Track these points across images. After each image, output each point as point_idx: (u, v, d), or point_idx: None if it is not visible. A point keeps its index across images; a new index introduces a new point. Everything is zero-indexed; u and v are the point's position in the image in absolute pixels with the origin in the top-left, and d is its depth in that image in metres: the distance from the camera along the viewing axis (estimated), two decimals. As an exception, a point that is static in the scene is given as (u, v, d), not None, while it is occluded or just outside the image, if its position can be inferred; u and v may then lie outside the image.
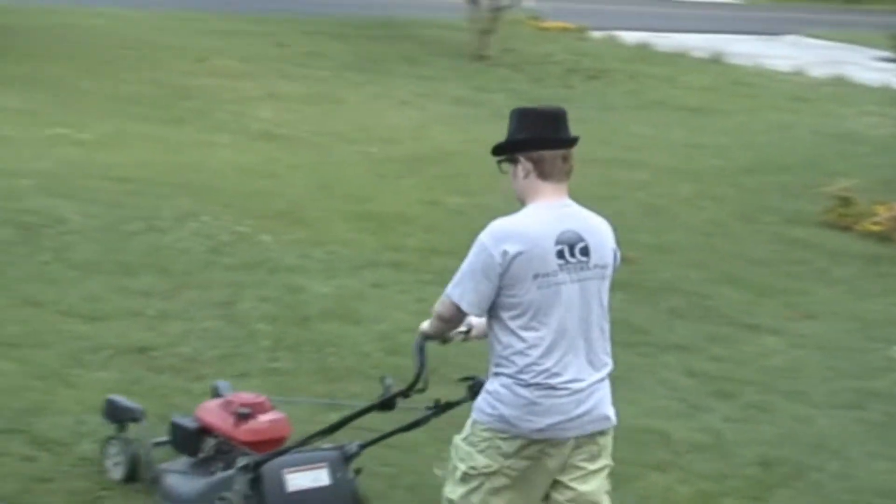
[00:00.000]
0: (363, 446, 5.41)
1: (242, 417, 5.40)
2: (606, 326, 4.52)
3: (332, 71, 18.54)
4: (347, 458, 5.40)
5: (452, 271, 9.46)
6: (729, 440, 6.86)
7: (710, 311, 9.14)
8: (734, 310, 9.24)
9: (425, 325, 4.71)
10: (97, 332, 7.18)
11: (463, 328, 4.63)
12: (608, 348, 4.52)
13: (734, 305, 9.35)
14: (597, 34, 25.97)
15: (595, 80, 20.64)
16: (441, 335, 4.69)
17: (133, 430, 5.63)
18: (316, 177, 11.73)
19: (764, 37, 29.08)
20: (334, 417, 5.38)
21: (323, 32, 22.09)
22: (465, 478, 4.38)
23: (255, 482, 5.14)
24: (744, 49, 25.29)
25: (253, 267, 8.76)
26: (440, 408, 4.83)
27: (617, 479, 6.09)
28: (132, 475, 5.53)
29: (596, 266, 4.42)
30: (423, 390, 4.80)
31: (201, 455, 5.49)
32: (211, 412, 5.52)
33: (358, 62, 19.60)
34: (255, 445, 5.34)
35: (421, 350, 4.74)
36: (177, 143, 12.54)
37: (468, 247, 9.81)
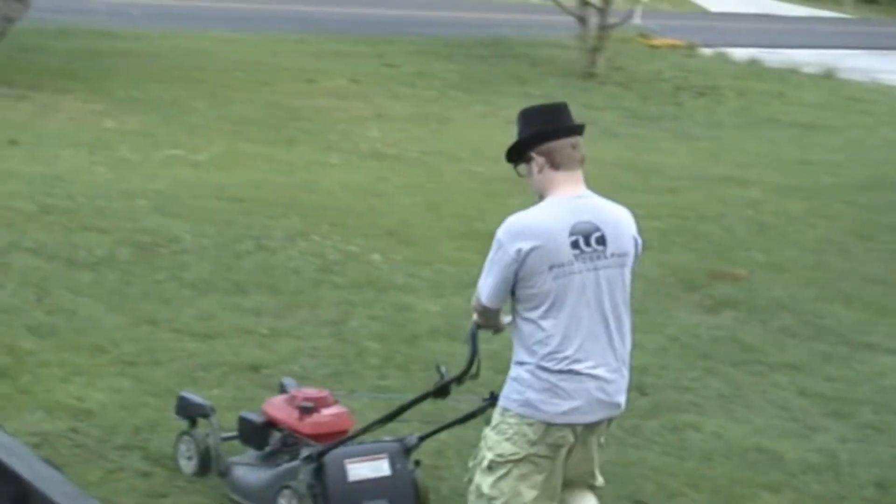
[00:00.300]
0: (422, 438, 5.63)
1: (306, 411, 5.60)
2: (626, 312, 4.60)
3: (440, 90, 18.65)
4: (407, 450, 5.61)
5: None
6: (844, 461, 6.73)
7: (823, 330, 8.99)
8: (848, 329, 9.07)
9: (476, 316, 4.88)
10: (210, 350, 7.29)
11: (510, 317, 4.69)
12: (627, 333, 4.60)
13: (848, 324, 9.19)
14: (706, 51, 25.78)
15: (704, 97, 20.48)
16: (488, 325, 4.86)
17: (203, 425, 5.82)
18: (424, 196, 11.79)
19: (877, 52, 28.61)
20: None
21: (431, 52, 22.23)
22: (493, 465, 4.52)
23: (319, 472, 5.35)
24: (857, 64, 24.92)
25: (362, 286, 8.83)
26: (495, 398, 4.84)
27: (729, 499, 6.05)
28: (203, 469, 5.73)
29: (613, 255, 4.51)
30: (475, 376, 5.01)
31: (268, 448, 5.68)
32: (276, 407, 5.71)
33: (465, 82, 19.69)
34: (318, 438, 5.53)
35: (473, 338, 4.94)
36: (288, 163, 12.71)
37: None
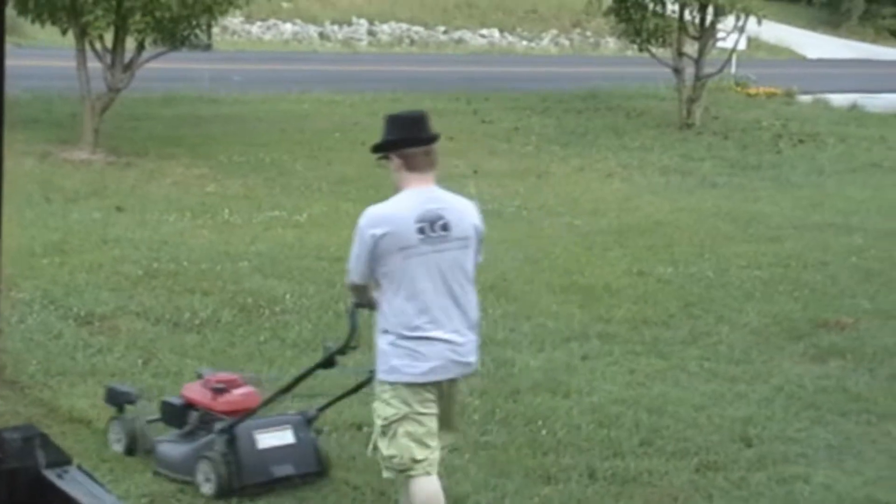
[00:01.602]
0: (321, 409, 6.54)
1: (218, 392, 6.41)
2: (471, 286, 5.43)
3: (537, 145, 18.72)
4: (309, 421, 6.47)
5: (664, 342, 9.45)
6: (958, 512, 6.57)
7: (933, 378, 8.81)
8: (960, 376, 8.87)
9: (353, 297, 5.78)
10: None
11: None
12: (473, 304, 5.45)
13: (959, 371, 8.98)
14: (804, 98, 25.56)
15: (804, 145, 20.28)
16: (363, 301, 5.65)
17: (130, 411, 6.64)
18: (523, 250, 11.81)
19: (981, 93, 28.11)
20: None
21: (526, 107, 22.33)
22: (384, 430, 5.38)
23: (231, 442, 6.19)
24: (960, 106, 24.49)
25: (463, 342, 8.84)
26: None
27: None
28: (131, 448, 6.54)
29: (457, 238, 5.38)
30: (355, 348, 5.97)
31: (187, 427, 6.46)
32: (193, 390, 6.54)
33: (562, 135, 19.73)
34: (230, 414, 6.32)
35: (352, 315, 5.87)
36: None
37: (679, 316, 9.77)
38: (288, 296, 9.60)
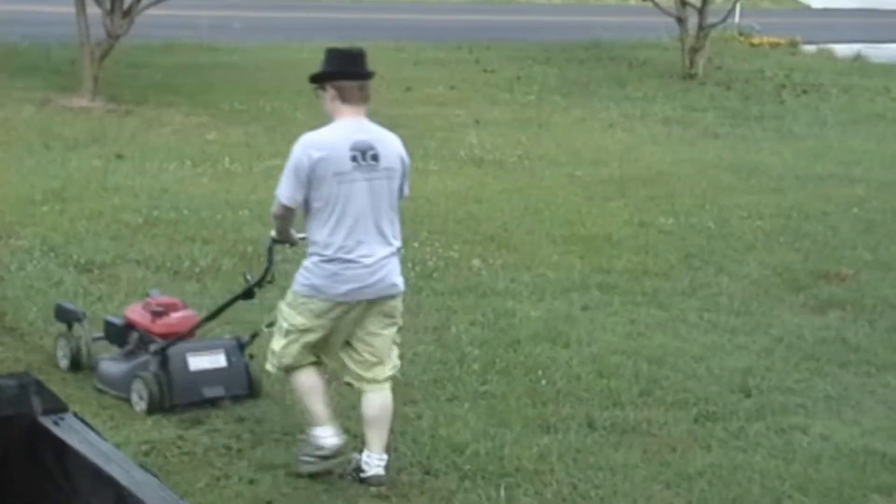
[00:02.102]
0: (254, 336, 6.79)
1: (157, 314, 6.75)
2: (395, 215, 5.78)
3: (539, 95, 18.64)
4: (242, 346, 6.76)
5: (664, 293, 9.45)
6: (956, 463, 6.58)
7: (933, 330, 8.81)
8: (960, 327, 8.87)
9: (273, 231, 6.12)
10: (313, 358, 7.34)
11: (302, 235, 5.88)
12: (397, 231, 5.78)
13: (960, 323, 8.98)
14: (808, 48, 25.43)
15: (807, 95, 20.20)
16: (284, 235, 6.03)
17: (77, 329, 6.97)
18: (524, 200, 11.79)
19: None
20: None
21: (528, 57, 22.22)
22: (287, 332, 5.78)
23: (164, 363, 6.51)
24: (965, 57, 24.37)
25: (463, 291, 8.85)
26: (259, 282, 6.50)
27: (838, 503, 5.96)
28: (76, 365, 6.91)
29: (384, 168, 5.70)
30: (271, 282, 6.47)
31: (128, 347, 6.79)
32: (134, 311, 6.87)
33: (564, 86, 19.65)
34: (167, 336, 6.65)
35: (270, 251, 6.33)
36: (387, 171, 12.77)
37: (680, 267, 9.74)
38: (286, 246, 9.57)
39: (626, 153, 14.61)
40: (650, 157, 14.50)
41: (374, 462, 5.81)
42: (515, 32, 25.54)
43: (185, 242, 9.56)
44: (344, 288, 5.64)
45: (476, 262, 9.55)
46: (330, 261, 5.63)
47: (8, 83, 16.17)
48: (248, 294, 6.57)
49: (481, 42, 23.56)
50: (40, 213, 10.04)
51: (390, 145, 5.81)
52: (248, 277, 6.66)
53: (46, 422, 1.65)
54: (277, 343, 5.85)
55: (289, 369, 5.87)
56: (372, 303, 5.72)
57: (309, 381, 5.85)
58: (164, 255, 9.16)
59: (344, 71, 5.79)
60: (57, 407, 1.68)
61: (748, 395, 7.17)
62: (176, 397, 6.47)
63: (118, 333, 6.86)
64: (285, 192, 5.70)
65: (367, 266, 5.64)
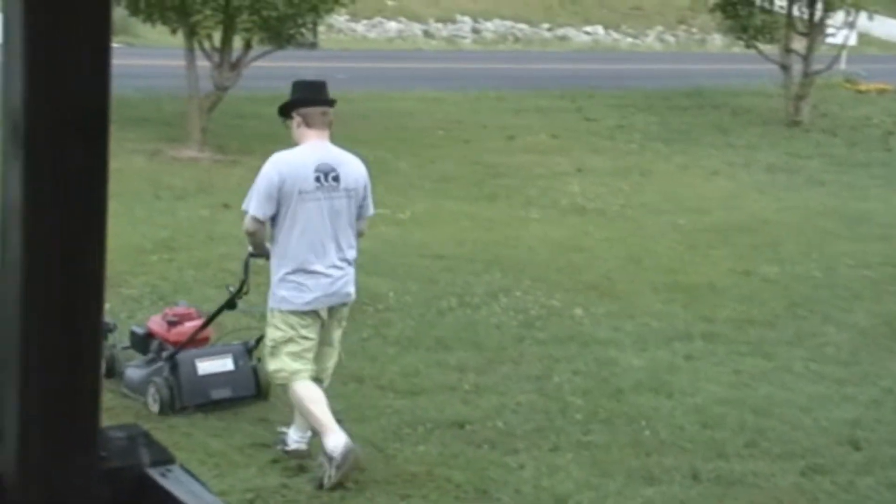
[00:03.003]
0: (258, 340, 7.23)
1: (172, 324, 7.39)
2: (351, 231, 6.46)
3: (641, 143, 18.58)
4: (249, 351, 7.36)
5: (770, 342, 9.31)
6: None
7: None
8: None
9: (249, 247, 6.77)
10: (415, 406, 7.38)
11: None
12: (353, 244, 6.48)
13: None
14: (917, 94, 25.02)
15: (916, 142, 19.87)
16: (258, 249, 6.65)
17: (109, 339, 7.57)
18: (626, 249, 11.74)
19: None
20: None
21: (630, 105, 22.18)
22: (272, 351, 6.44)
23: (174, 368, 7.11)
24: None
25: (565, 340, 8.83)
26: (238, 291, 7.20)
27: None
28: (110, 372, 7.42)
29: (344, 189, 6.40)
30: (247, 293, 7.19)
31: (149, 354, 7.40)
32: (154, 322, 7.54)
33: (666, 133, 19.56)
34: (181, 345, 7.26)
35: (246, 265, 7.05)
36: (489, 219, 12.83)
37: (785, 317, 9.61)
38: (391, 293, 9.65)
39: (729, 201, 14.49)
40: (754, 204, 14.36)
41: (299, 438, 6.53)
42: (617, 80, 25.51)
43: (289, 291, 9.66)
44: (309, 297, 6.34)
45: (578, 311, 9.52)
46: (293, 272, 6.33)
47: (120, 134, 16.53)
48: (230, 304, 7.26)
49: (583, 90, 23.57)
50: (150, 261, 10.23)
51: (351, 168, 6.50)
52: (230, 289, 7.30)
53: (154, 474, 1.67)
54: (270, 362, 6.51)
55: (286, 382, 6.45)
56: (332, 310, 6.48)
57: (307, 393, 6.38)
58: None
59: (307, 99, 6.51)
60: (164, 458, 1.71)
61: (857, 448, 7.04)
62: (185, 399, 7.08)
63: (140, 342, 7.53)
64: (256, 206, 6.35)
65: (328, 276, 6.36)
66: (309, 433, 6.51)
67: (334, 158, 6.45)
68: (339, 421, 6.43)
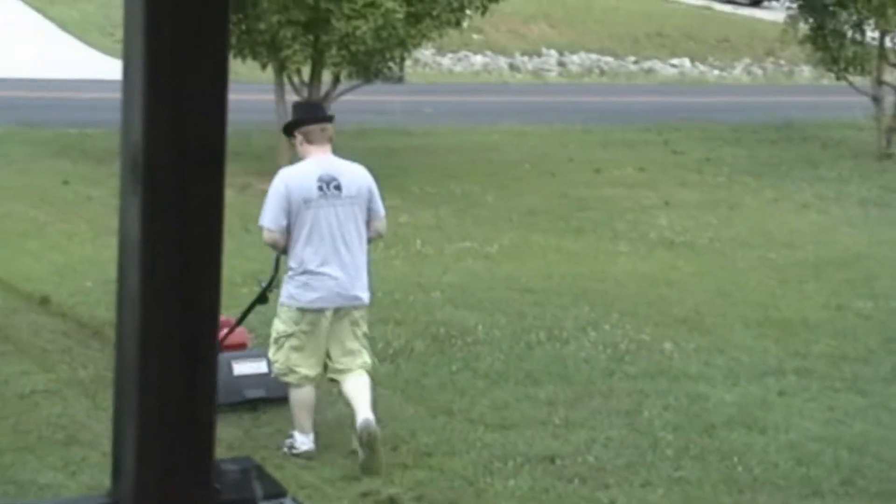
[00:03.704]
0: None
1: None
2: (358, 235, 7.00)
3: (729, 176, 18.42)
4: None
5: (865, 379, 9.17)
6: None
7: None
8: None
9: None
10: (505, 441, 7.36)
11: None
12: (362, 249, 7.02)
13: None
14: None
15: None
16: (279, 251, 7.18)
17: None
18: (716, 283, 11.63)
19: None
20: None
21: (718, 138, 22.02)
22: (276, 341, 7.07)
23: None
24: None
25: (655, 375, 8.76)
26: (263, 289, 7.67)
27: None
28: None
29: (347, 196, 6.97)
30: (277, 287, 7.38)
31: None
32: None
33: (755, 166, 19.39)
34: (227, 350, 7.73)
35: (277, 261, 7.44)
36: (576, 252, 12.79)
37: (880, 352, 9.48)
38: (479, 326, 9.65)
39: (820, 235, 14.31)
40: (846, 238, 14.17)
41: (370, 419, 6.85)
42: (704, 113, 25.34)
43: (378, 324, 9.68)
44: (313, 296, 6.90)
45: (668, 346, 9.44)
46: (301, 273, 6.91)
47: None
48: (262, 299, 7.67)
49: (670, 123, 23.45)
50: (240, 294, 10.31)
51: (352, 176, 7.09)
52: (262, 284, 7.73)
53: (267, 506, 1.68)
54: (272, 352, 7.14)
55: (286, 375, 7.02)
56: (338, 312, 6.96)
57: (303, 397, 7.01)
58: (358, 337, 9.29)
59: (306, 117, 7.24)
60: (277, 491, 1.72)
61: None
62: (221, 397, 7.38)
63: None
64: (269, 218, 6.96)
65: (334, 279, 6.90)
66: (312, 434, 7.04)
67: (336, 169, 7.05)
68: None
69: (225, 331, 7.82)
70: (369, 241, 7.20)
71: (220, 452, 1.70)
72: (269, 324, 7.95)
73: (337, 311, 6.98)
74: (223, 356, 7.54)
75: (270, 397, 7.62)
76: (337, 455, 7.08)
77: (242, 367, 7.71)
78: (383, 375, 8.45)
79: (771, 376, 8.84)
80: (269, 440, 7.29)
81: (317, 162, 7.03)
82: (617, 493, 6.62)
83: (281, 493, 1.80)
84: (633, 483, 6.79)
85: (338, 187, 6.97)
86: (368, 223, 7.10)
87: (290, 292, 7.02)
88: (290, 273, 7.03)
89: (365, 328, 7.20)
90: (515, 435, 7.46)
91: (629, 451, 7.29)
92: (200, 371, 1.64)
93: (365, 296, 7.08)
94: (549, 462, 7.05)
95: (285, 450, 7.04)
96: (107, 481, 1.72)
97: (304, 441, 7.01)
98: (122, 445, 1.65)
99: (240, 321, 7.89)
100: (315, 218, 6.89)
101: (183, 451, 1.62)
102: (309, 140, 7.08)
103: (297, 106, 7.65)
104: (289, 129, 7.29)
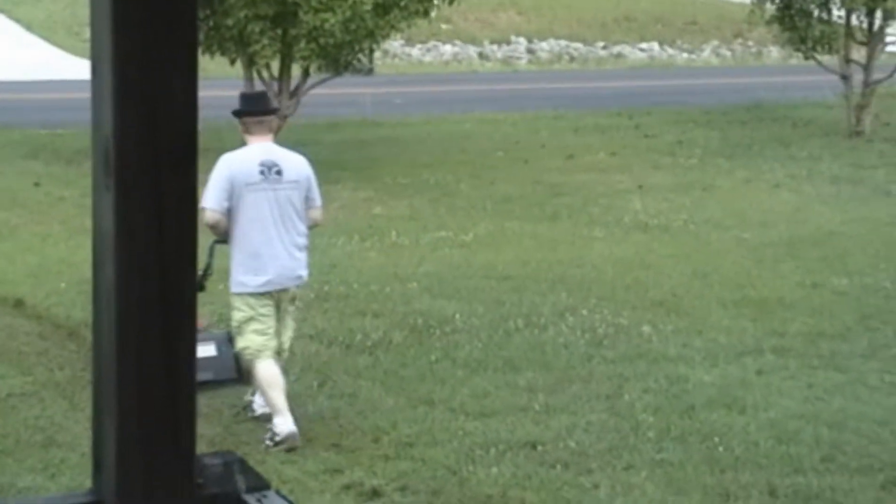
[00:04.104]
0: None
1: None
2: (299, 218, 7.27)
3: (701, 158, 18.48)
4: (230, 339, 7.76)
5: (842, 355, 9.21)
6: None
7: None
8: None
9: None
10: (487, 429, 7.35)
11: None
12: (303, 231, 7.31)
13: None
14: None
15: (982, 148, 19.60)
16: (221, 238, 7.30)
17: None
18: (691, 265, 11.66)
19: None
20: None
21: (689, 121, 22.08)
22: (238, 330, 7.30)
23: None
24: None
25: (634, 358, 8.77)
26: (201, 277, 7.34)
27: None
28: None
29: (287, 181, 7.23)
30: (211, 275, 7.52)
31: None
32: None
33: (726, 148, 19.45)
34: None
35: (211, 250, 7.49)
36: (552, 239, 12.80)
37: (857, 329, 9.51)
38: (457, 315, 9.65)
39: (793, 214, 14.36)
40: (819, 217, 14.23)
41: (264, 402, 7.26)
42: (675, 96, 25.40)
43: (355, 316, 9.69)
44: (262, 279, 7.15)
45: (646, 329, 9.46)
46: (247, 258, 7.15)
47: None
48: (199, 287, 8.24)
49: (641, 107, 23.49)
50: (218, 291, 10.29)
51: (293, 163, 7.34)
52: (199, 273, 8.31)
53: (251, 500, 1.67)
54: (238, 341, 7.34)
55: (253, 357, 7.18)
56: (283, 291, 7.27)
57: (268, 374, 7.13)
58: (336, 329, 9.29)
59: (246, 109, 7.50)
60: (260, 484, 1.71)
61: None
62: None
63: None
64: (212, 199, 7.05)
65: (278, 260, 7.16)
66: (290, 415, 7.10)
67: (276, 156, 7.31)
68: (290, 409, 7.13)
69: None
70: (308, 230, 7.44)
71: (201, 449, 1.69)
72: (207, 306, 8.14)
73: (284, 290, 7.29)
74: None
75: (218, 380, 7.77)
76: (319, 448, 7.06)
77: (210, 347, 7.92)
78: (362, 367, 8.45)
79: (749, 356, 8.87)
80: (250, 436, 7.26)
81: (258, 148, 7.28)
82: (600, 477, 6.63)
83: (264, 486, 1.79)
84: (616, 467, 6.80)
85: (279, 172, 7.20)
86: (306, 212, 7.35)
87: (240, 280, 7.23)
88: (237, 258, 7.22)
89: (300, 303, 7.82)
90: (496, 422, 7.45)
91: (610, 434, 7.30)
92: (180, 363, 1.62)
93: (305, 273, 7.39)
94: (530, 448, 7.05)
95: (267, 442, 7.03)
96: (87, 483, 1.71)
97: (282, 422, 7.01)
98: (102, 443, 1.64)
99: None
100: (256, 201, 7.10)
101: (164, 446, 1.61)
102: (248, 130, 7.36)
103: (241, 97, 7.90)
104: (236, 115, 7.60)
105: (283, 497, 1.81)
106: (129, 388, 1.60)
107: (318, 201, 7.45)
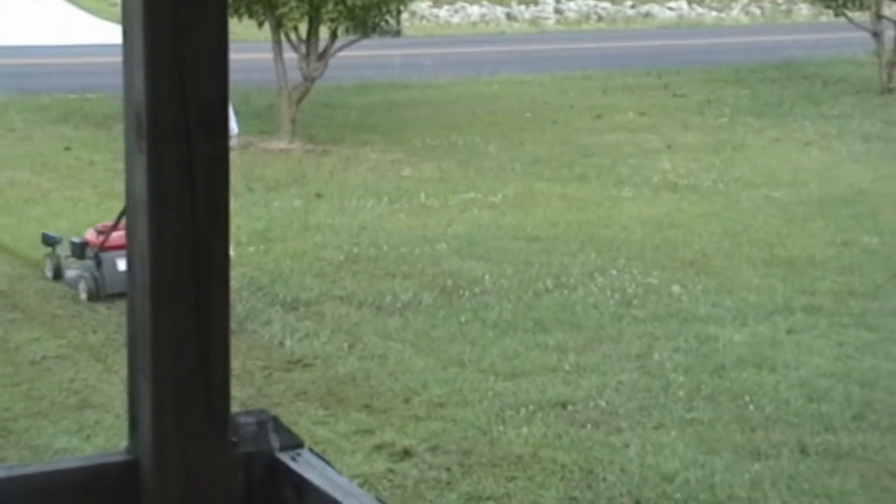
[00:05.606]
0: None
1: (101, 234, 9.22)
2: None
3: (731, 117, 18.38)
4: None
5: (873, 313, 9.19)
6: None
7: None
8: None
9: None
10: (517, 389, 7.38)
11: None
12: None
13: None
14: None
15: None
16: None
17: (57, 249, 9.57)
18: (721, 224, 11.63)
19: None
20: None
21: (719, 79, 21.96)
22: None
23: (98, 264, 9.01)
24: None
25: (664, 318, 8.77)
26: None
27: None
28: (58, 274, 9.46)
29: None
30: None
31: (85, 259, 9.21)
32: (88, 233, 9.42)
33: (756, 106, 19.34)
34: (108, 249, 8.99)
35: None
36: (581, 199, 12.78)
37: (887, 287, 9.47)
38: (487, 276, 9.66)
39: (824, 172, 14.29)
40: (850, 175, 14.15)
41: None
42: (704, 55, 25.25)
43: (385, 278, 9.72)
44: None
45: (676, 288, 9.45)
46: None
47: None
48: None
49: (670, 67, 23.37)
50: (246, 253, 10.34)
51: None
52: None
53: (284, 458, 1.70)
54: None
55: None
56: None
57: None
58: (366, 291, 9.33)
59: None
60: (294, 443, 1.74)
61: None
62: (107, 289, 8.88)
63: (78, 250, 9.28)
64: None
65: None
66: None
67: None
68: None
69: (109, 233, 9.07)
70: None
71: (234, 410, 1.71)
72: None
73: None
74: (109, 254, 8.92)
75: None
76: (351, 409, 7.10)
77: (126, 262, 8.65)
78: (392, 329, 8.49)
79: (779, 315, 8.85)
80: (282, 397, 7.32)
81: None
82: (630, 437, 6.65)
83: (298, 445, 1.82)
84: (646, 426, 6.82)
85: None
86: None
87: None
88: None
89: None
90: (527, 383, 7.48)
91: (641, 394, 7.31)
92: (213, 323, 1.65)
93: None
94: (561, 408, 7.08)
95: None
96: (122, 443, 1.74)
97: None
98: (137, 404, 1.67)
99: (115, 224, 8.93)
100: None
101: (198, 405, 1.64)
102: None
103: None
104: None
105: (318, 454, 1.84)
106: (164, 350, 1.63)
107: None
